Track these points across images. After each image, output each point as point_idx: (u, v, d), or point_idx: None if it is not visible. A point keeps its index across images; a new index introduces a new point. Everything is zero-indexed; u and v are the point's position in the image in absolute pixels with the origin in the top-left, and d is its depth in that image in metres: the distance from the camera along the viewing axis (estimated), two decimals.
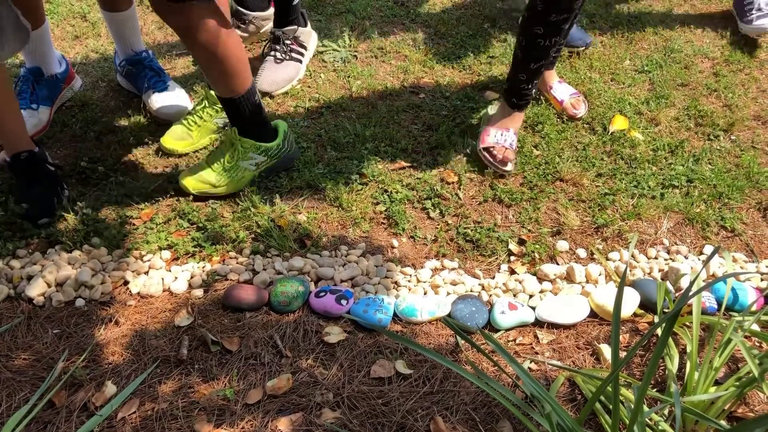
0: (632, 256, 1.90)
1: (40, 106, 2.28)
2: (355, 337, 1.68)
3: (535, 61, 2.00)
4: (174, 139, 2.19)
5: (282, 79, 2.45)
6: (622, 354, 1.62)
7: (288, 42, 2.48)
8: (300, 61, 2.52)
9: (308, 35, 2.56)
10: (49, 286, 1.77)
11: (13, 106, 1.92)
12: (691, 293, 1.30)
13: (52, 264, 1.81)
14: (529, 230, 1.97)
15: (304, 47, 2.54)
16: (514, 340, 1.69)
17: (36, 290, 1.75)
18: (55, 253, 1.86)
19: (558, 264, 1.89)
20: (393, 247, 1.94)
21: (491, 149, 2.12)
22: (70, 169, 2.11)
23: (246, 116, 1.98)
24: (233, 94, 1.91)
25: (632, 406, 1.32)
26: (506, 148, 2.13)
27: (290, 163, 2.14)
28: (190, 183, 2.02)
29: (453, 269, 1.87)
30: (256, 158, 2.04)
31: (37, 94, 2.28)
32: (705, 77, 2.58)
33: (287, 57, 2.48)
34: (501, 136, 2.14)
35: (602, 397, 1.47)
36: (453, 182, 2.11)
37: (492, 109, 2.25)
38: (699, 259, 1.89)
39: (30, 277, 1.79)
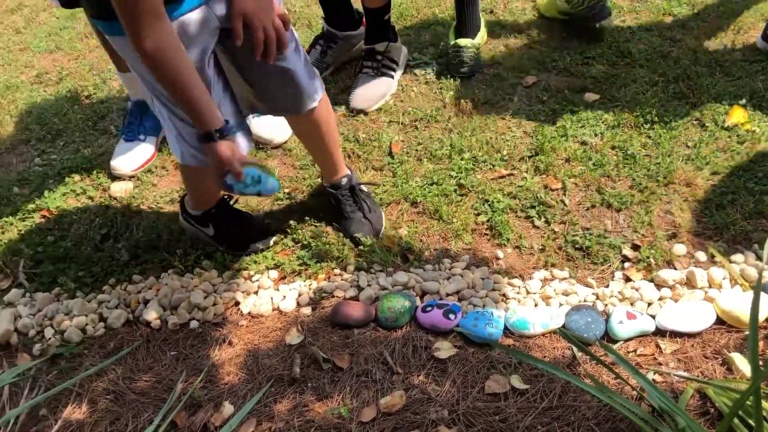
0: (759, 258, 1.77)
1: (147, 137, 2.38)
2: (465, 352, 1.64)
3: None
4: None
5: (375, 96, 2.46)
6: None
7: (379, 58, 2.49)
8: (392, 77, 2.52)
9: (398, 50, 2.56)
10: (164, 309, 1.83)
11: None
12: None
13: (167, 287, 1.87)
14: (643, 235, 1.87)
15: (395, 62, 2.54)
16: (635, 350, 1.61)
17: (152, 314, 1.81)
18: (168, 276, 1.93)
19: (676, 269, 1.78)
20: (498, 259, 1.89)
21: None
22: (177, 195, 2.18)
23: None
24: None
25: None
26: None
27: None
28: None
29: (564, 279, 1.80)
30: None
31: (144, 125, 2.39)
32: None
33: (379, 73, 2.49)
34: None
35: (740, 412, 1.37)
36: (557, 188, 2.04)
37: None
38: None
39: (146, 301, 1.85)
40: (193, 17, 1.45)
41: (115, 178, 2.32)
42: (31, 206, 2.22)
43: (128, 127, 2.38)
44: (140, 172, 2.33)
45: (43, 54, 3.14)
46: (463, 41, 2.52)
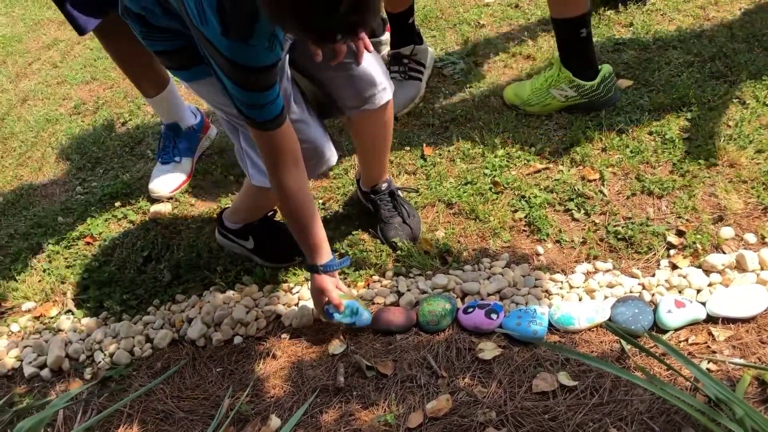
0: None
1: (182, 158, 2.42)
2: (510, 352, 1.61)
3: None
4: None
5: (404, 100, 2.45)
6: None
7: (406, 62, 2.48)
8: (419, 79, 2.51)
9: (425, 52, 2.55)
10: (208, 326, 1.85)
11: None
12: None
13: (209, 305, 1.88)
14: (687, 220, 1.81)
15: (422, 65, 2.52)
16: (686, 339, 1.55)
17: (197, 332, 1.83)
18: (210, 294, 1.94)
19: (725, 253, 1.72)
20: (538, 255, 1.85)
21: None
22: (215, 213, 2.20)
23: (571, 45, 2.13)
24: (568, 15, 2.06)
25: None
26: None
27: (602, 107, 2.21)
28: (507, 93, 2.35)
29: (608, 271, 1.75)
30: (566, 90, 2.18)
31: (179, 147, 2.42)
32: None
33: (407, 77, 2.48)
34: None
35: None
36: (595, 179, 1.99)
37: None
38: None
39: (190, 320, 1.87)
40: None
41: (154, 200, 2.35)
42: (75, 234, 2.27)
43: (163, 150, 2.42)
44: (178, 193, 2.36)
45: (80, 85, 3.23)
46: (609, 68, 2.19)
